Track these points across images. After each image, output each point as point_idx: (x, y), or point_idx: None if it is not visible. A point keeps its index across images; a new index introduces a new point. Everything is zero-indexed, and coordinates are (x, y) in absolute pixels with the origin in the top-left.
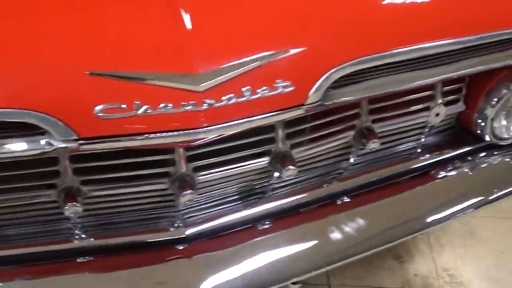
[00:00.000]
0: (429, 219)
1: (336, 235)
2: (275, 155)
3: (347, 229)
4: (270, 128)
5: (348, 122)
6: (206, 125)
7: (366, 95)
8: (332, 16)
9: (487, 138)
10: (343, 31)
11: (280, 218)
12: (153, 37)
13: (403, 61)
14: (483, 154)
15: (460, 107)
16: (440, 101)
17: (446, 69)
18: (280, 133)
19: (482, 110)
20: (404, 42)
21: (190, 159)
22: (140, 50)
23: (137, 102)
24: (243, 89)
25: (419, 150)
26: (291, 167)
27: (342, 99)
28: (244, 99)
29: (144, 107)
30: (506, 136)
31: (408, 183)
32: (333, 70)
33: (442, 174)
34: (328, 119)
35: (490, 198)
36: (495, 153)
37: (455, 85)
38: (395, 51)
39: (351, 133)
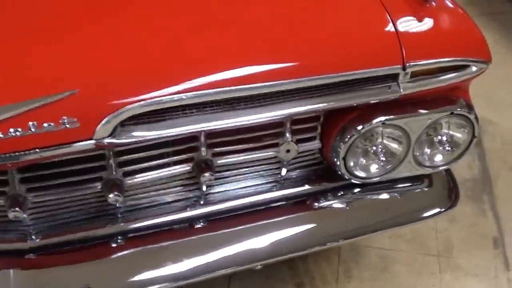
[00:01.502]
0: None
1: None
2: (107, 180)
3: (199, 252)
4: (101, 156)
5: (186, 154)
6: None
7: (164, 134)
8: (119, 59)
9: (345, 176)
10: (131, 73)
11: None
12: None
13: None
14: (341, 192)
15: (316, 144)
16: (289, 138)
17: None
18: (112, 162)
19: (335, 148)
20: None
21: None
22: None
23: None
24: (30, 123)
25: (283, 183)
26: (116, 193)
27: (135, 135)
28: (29, 132)
29: None
30: (363, 175)
31: (267, 213)
32: (122, 109)
33: (299, 208)
34: (164, 150)
35: (342, 237)
36: (356, 191)
37: (310, 123)
38: (188, 94)
39: (190, 164)
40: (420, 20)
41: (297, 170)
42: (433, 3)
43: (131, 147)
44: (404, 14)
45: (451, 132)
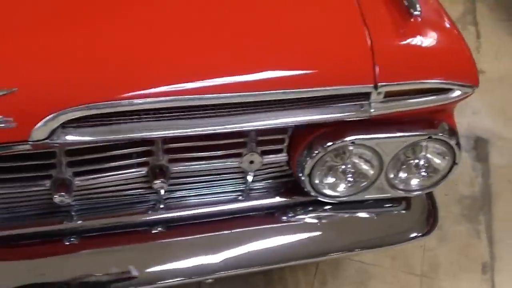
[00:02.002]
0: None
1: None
2: (55, 179)
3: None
4: (52, 154)
5: (141, 157)
6: None
7: (102, 138)
8: (66, 60)
9: (311, 193)
10: (77, 75)
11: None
12: None
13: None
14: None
15: (282, 157)
16: (253, 149)
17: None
18: (63, 159)
19: (301, 163)
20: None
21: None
22: None
23: None
24: None
25: (249, 193)
26: (62, 193)
27: (71, 139)
28: None
29: None
30: (330, 193)
31: (231, 223)
32: (60, 112)
33: (262, 220)
34: (117, 152)
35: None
36: (327, 208)
37: (278, 135)
38: (128, 101)
39: (144, 169)
40: (401, 36)
41: (264, 181)
42: (419, 18)
43: (82, 147)
44: (384, 29)
45: (429, 157)
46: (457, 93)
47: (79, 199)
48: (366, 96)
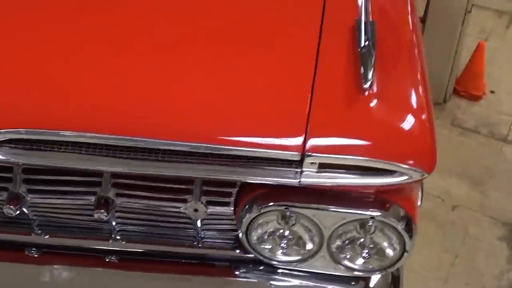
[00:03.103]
0: None
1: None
2: (10, 192)
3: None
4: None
5: (89, 187)
6: None
7: (30, 162)
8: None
9: (251, 252)
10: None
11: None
12: None
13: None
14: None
15: (228, 210)
16: (198, 197)
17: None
18: (18, 177)
19: (240, 219)
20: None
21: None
22: None
23: None
24: None
25: (199, 240)
26: (10, 206)
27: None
28: None
29: None
30: (268, 256)
31: (181, 267)
32: None
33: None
34: (69, 178)
35: None
36: (280, 271)
37: (225, 188)
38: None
39: (92, 198)
40: (344, 108)
41: (217, 232)
42: (371, 92)
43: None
44: (330, 98)
45: (375, 240)
46: (403, 178)
47: (37, 215)
48: (298, 164)
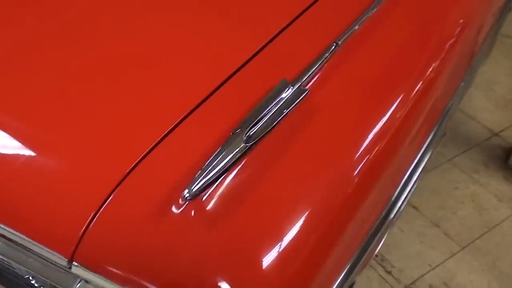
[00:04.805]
0: None
1: None
2: None
3: None
4: None
5: None
6: None
7: None
8: None
9: None
10: None
11: None
12: None
13: None
14: None
15: None
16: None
17: None
18: None
19: None
20: None
21: None
22: None
23: None
24: None
25: None
26: None
27: None
28: None
29: None
30: None
31: None
32: None
33: None
34: None
35: None
36: None
37: None
38: None
39: None
40: (141, 220)
41: None
42: (191, 209)
43: None
44: (128, 206)
45: None
46: None
47: None
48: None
